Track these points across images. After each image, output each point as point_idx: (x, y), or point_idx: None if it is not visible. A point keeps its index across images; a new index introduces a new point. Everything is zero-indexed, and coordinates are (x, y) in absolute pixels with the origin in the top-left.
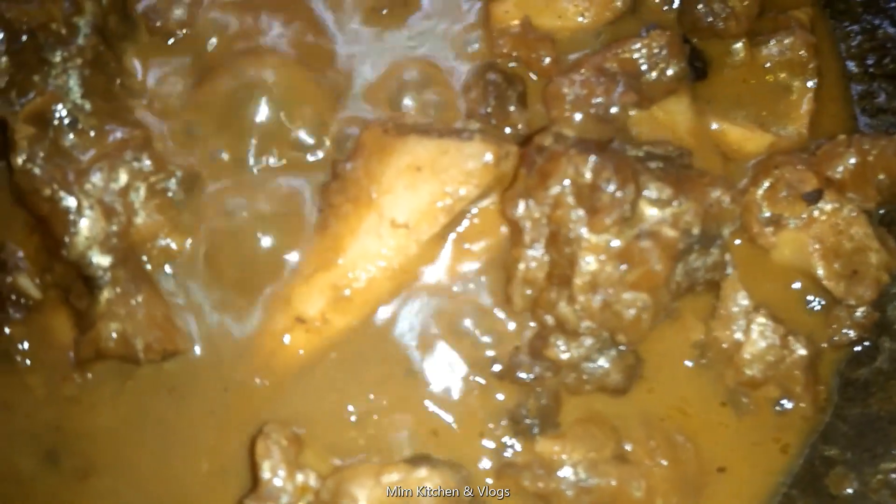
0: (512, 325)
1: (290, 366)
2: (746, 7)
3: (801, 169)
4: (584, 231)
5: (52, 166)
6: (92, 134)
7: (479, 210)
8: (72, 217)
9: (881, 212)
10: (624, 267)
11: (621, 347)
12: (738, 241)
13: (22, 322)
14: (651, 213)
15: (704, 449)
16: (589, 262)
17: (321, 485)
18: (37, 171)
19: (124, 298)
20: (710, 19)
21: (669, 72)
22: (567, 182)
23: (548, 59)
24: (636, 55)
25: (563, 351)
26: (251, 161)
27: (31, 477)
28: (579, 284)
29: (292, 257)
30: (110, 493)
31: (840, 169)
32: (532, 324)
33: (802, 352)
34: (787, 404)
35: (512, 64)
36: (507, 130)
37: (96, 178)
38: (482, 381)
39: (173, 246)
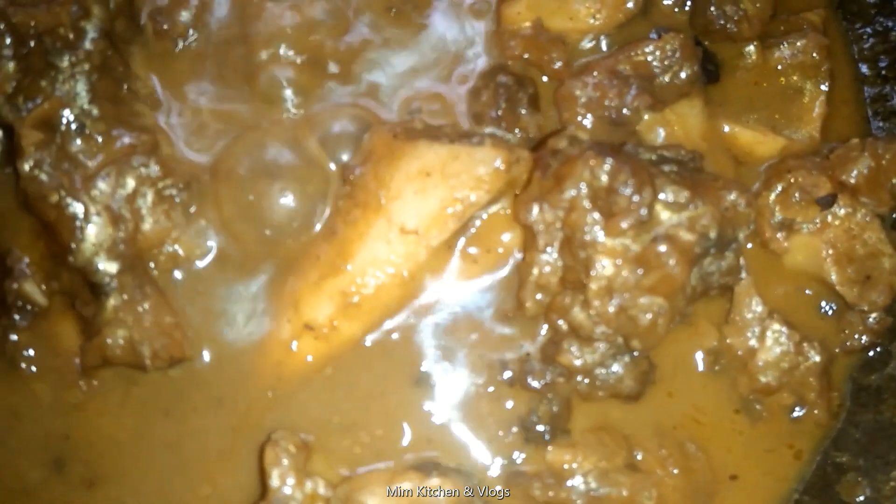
0: (524, 331)
1: (298, 372)
2: (759, 9)
3: (815, 173)
4: (599, 235)
5: (59, 172)
6: (99, 139)
7: (490, 215)
8: (78, 223)
9: (894, 216)
10: (640, 271)
11: (635, 353)
12: (749, 245)
13: (28, 329)
14: (667, 216)
15: (717, 457)
16: (605, 267)
17: (332, 493)
18: (44, 177)
19: (131, 305)
20: (723, 22)
21: (682, 75)
22: (583, 185)
23: (559, 62)
24: (649, 58)
25: (576, 357)
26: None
27: (37, 485)
28: (594, 289)
29: (302, 264)
30: (117, 503)
31: (854, 173)
32: (544, 329)
33: (817, 358)
34: (801, 411)
35: (523, 66)
36: (518, 134)
37: (103, 184)
38: (492, 388)
39: (181, 252)
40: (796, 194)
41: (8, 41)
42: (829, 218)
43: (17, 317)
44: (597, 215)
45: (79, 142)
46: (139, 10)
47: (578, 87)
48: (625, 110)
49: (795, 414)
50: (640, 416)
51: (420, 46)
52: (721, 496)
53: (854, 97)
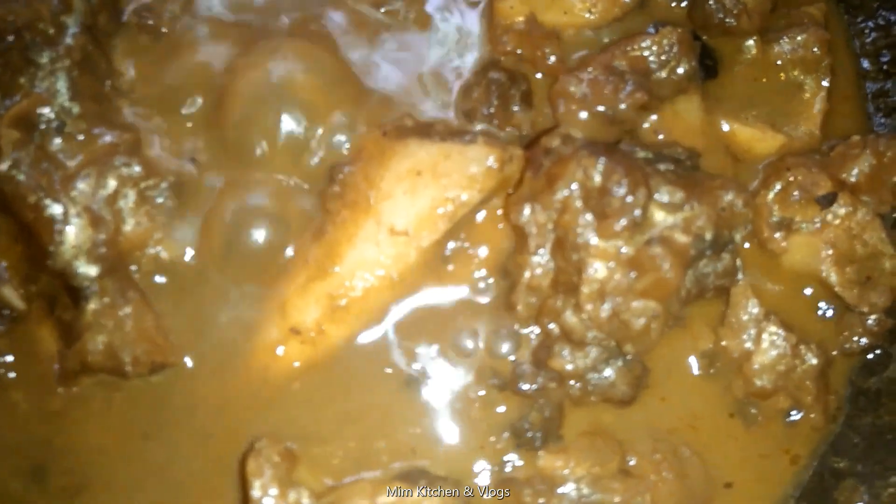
0: (515, 335)
1: (284, 378)
2: (759, 3)
3: (815, 171)
4: (592, 237)
5: (37, 172)
6: (80, 138)
7: (483, 215)
8: (57, 225)
9: (895, 215)
10: (633, 274)
11: (628, 357)
12: (747, 245)
13: (6, 334)
14: (662, 217)
15: (712, 463)
16: (597, 270)
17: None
18: (21, 177)
19: (112, 310)
20: (721, 15)
21: (680, 70)
22: (575, 186)
23: (553, 57)
24: (646, 53)
25: (568, 361)
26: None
27: (17, 496)
28: (586, 293)
29: (289, 267)
30: None
31: (855, 171)
32: (536, 333)
33: (814, 361)
34: (798, 415)
35: (516, 62)
36: (511, 131)
37: (83, 185)
38: (483, 393)
39: (164, 254)
40: (795, 193)
41: None
42: (829, 217)
43: None
44: (589, 216)
45: (58, 141)
46: (123, 4)
47: (573, 84)
48: (621, 107)
49: (791, 418)
50: (633, 420)
51: (411, 42)
52: (717, 501)
53: (855, 93)
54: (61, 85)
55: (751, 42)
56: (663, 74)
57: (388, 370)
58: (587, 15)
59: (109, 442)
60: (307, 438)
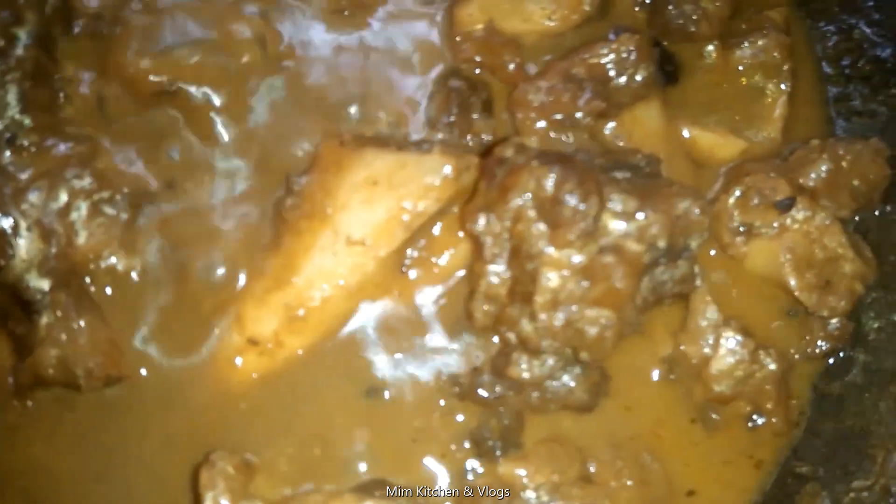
0: (474, 344)
1: (242, 389)
2: (718, 8)
3: (773, 176)
4: (545, 246)
5: None
6: (32, 150)
7: (442, 224)
8: (8, 238)
9: (856, 219)
10: (586, 283)
11: (585, 364)
12: (713, 252)
13: None
14: (615, 226)
15: (674, 470)
16: (550, 279)
17: None
18: None
19: (65, 323)
20: (681, 21)
21: (638, 77)
22: (528, 196)
23: (512, 65)
24: (604, 60)
25: (525, 369)
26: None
27: None
28: (540, 302)
29: (244, 277)
30: None
31: (813, 176)
32: (495, 341)
33: (773, 366)
34: (759, 420)
35: (476, 70)
36: (471, 140)
37: (34, 197)
38: (443, 402)
39: (119, 267)
40: (755, 198)
41: None
42: (788, 222)
43: None
44: (542, 226)
45: (9, 154)
46: (76, 14)
47: (531, 92)
48: (578, 115)
49: (754, 423)
50: (594, 427)
51: (372, 50)
52: None
53: (817, 97)
54: (12, 97)
55: (711, 47)
56: (622, 81)
57: (348, 380)
58: (547, 22)
59: (63, 458)
60: (266, 449)
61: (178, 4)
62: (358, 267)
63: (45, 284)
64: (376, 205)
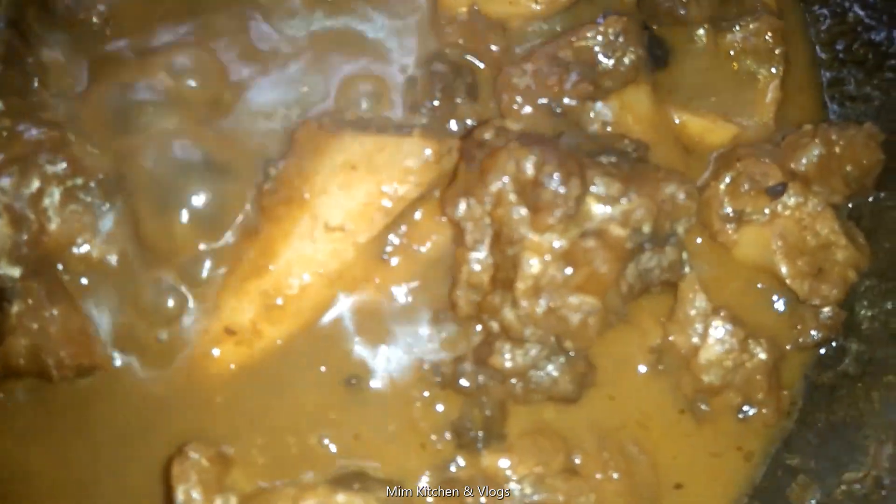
0: (457, 332)
1: (219, 380)
2: None
3: (765, 161)
4: (526, 230)
5: None
6: (4, 134)
7: (423, 210)
8: None
9: (849, 206)
10: (568, 269)
11: (570, 354)
12: (699, 240)
13: None
14: (598, 210)
15: (662, 462)
16: (532, 265)
17: None
18: None
19: (37, 311)
20: (670, 4)
21: (626, 60)
22: (507, 178)
23: (496, 48)
24: (591, 43)
25: (508, 359)
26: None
27: None
28: (522, 289)
29: (222, 264)
30: None
31: (804, 161)
32: (478, 330)
33: (763, 356)
34: (750, 411)
35: (461, 54)
36: (456, 124)
37: (5, 182)
38: (425, 392)
39: (93, 254)
40: (746, 184)
41: None
42: (779, 208)
43: None
44: (523, 210)
45: None
46: None
47: (517, 75)
48: (566, 99)
49: (744, 414)
50: (580, 418)
51: (356, 33)
52: (666, 501)
53: (810, 82)
54: None
55: (701, 31)
56: (610, 64)
57: (328, 370)
58: (533, 6)
59: (35, 449)
60: (243, 441)
61: None
62: (337, 253)
63: (15, 272)
64: (355, 189)
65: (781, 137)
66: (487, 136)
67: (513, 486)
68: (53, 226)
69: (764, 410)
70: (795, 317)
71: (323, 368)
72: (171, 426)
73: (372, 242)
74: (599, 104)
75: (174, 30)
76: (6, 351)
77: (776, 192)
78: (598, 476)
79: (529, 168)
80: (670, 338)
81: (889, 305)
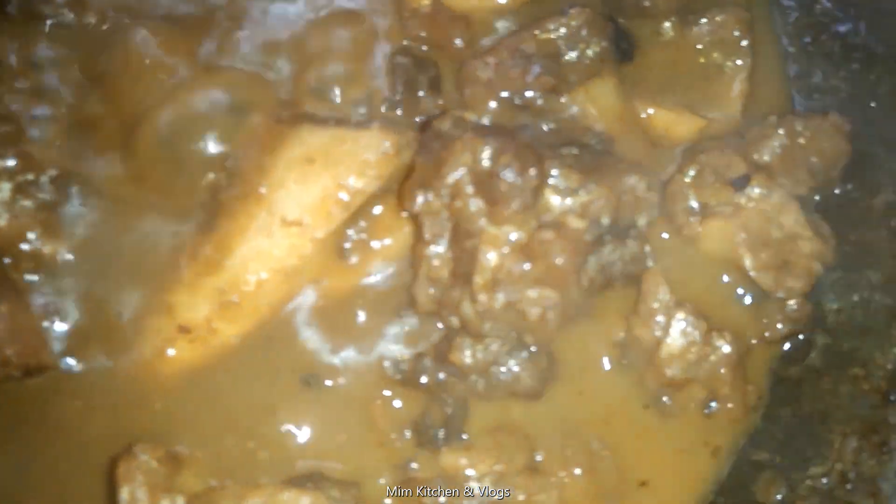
0: (417, 328)
1: (174, 380)
2: None
3: (728, 153)
4: (484, 223)
5: None
6: None
7: (383, 205)
8: None
9: (816, 198)
10: (526, 261)
11: (532, 349)
12: (665, 235)
13: None
14: (556, 201)
15: (626, 458)
16: (490, 258)
17: None
18: None
19: None
20: None
21: (590, 52)
22: (464, 169)
23: (460, 41)
24: (554, 35)
25: (468, 355)
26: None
27: None
28: (479, 283)
29: (177, 261)
30: None
31: (768, 152)
32: (440, 325)
33: (727, 349)
34: (715, 406)
35: (424, 47)
36: (420, 119)
37: None
38: (385, 390)
39: (44, 250)
40: (709, 176)
41: None
42: (744, 200)
43: None
44: (480, 202)
45: None
46: None
47: (479, 68)
48: (528, 92)
49: (709, 409)
50: (543, 414)
51: (318, 25)
52: (630, 498)
53: (777, 75)
54: None
55: (668, 24)
56: (573, 57)
57: (285, 368)
58: None
59: None
60: (197, 441)
61: None
62: (294, 249)
63: None
64: (312, 183)
65: (748, 130)
66: (445, 127)
67: (473, 484)
68: (2, 221)
69: (730, 405)
70: (761, 310)
71: (280, 367)
72: (122, 426)
73: (330, 237)
74: (564, 97)
75: None
76: None
77: (740, 184)
78: (561, 474)
79: (486, 159)
80: (634, 332)
81: (855, 298)
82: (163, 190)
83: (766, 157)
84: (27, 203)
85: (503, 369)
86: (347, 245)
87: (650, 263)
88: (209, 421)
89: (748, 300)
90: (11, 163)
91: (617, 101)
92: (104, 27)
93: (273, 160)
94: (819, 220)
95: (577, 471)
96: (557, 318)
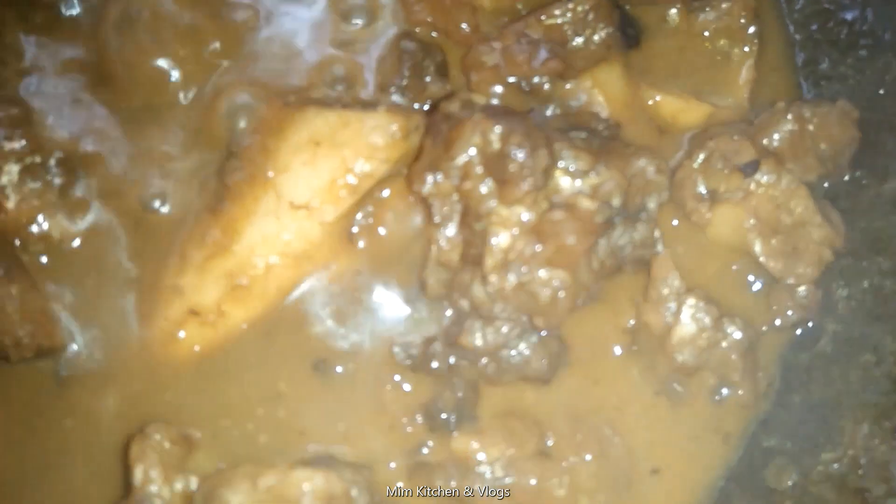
0: (427, 313)
1: (184, 362)
2: None
3: (737, 139)
4: (494, 204)
5: None
6: None
7: (391, 189)
8: None
9: (826, 185)
10: (537, 242)
11: (542, 333)
12: (675, 222)
13: None
14: (566, 183)
15: (637, 445)
16: (500, 239)
17: (196, 490)
18: None
19: None
20: None
21: (596, 38)
22: (473, 150)
23: (466, 27)
24: (561, 20)
25: (478, 337)
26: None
27: None
28: (490, 264)
29: (186, 245)
30: None
31: (777, 137)
32: (449, 310)
33: (738, 335)
34: (726, 392)
35: (431, 33)
36: (425, 103)
37: None
38: (395, 375)
39: (54, 234)
40: (718, 162)
41: None
42: (753, 186)
43: None
44: (490, 182)
45: None
46: None
47: (486, 53)
48: (535, 77)
49: (719, 396)
50: (553, 400)
51: (326, 11)
52: (641, 484)
53: (785, 62)
54: None
55: (674, 11)
56: (580, 42)
57: (295, 353)
58: None
59: None
60: (211, 424)
61: None
62: (303, 233)
63: None
64: (319, 166)
65: (755, 117)
66: (453, 108)
67: (484, 468)
68: (11, 203)
69: (740, 392)
70: (771, 297)
71: (290, 351)
72: (133, 408)
73: (339, 222)
74: (571, 83)
75: None
76: None
77: (749, 170)
78: (572, 459)
79: (495, 140)
80: (644, 318)
81: (865, 284)
82: None
83: (774, 143)
84: (35, 185)
85: (513, 352)
86: (355, 229)
87: (660, 249)
88: (219, 405)
89: (758, 287)
90: (19, 144)
91: (624, 88)
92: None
93: (280, 143)
94: (828, 206)
95: (588, 456)
96: (568, 299)
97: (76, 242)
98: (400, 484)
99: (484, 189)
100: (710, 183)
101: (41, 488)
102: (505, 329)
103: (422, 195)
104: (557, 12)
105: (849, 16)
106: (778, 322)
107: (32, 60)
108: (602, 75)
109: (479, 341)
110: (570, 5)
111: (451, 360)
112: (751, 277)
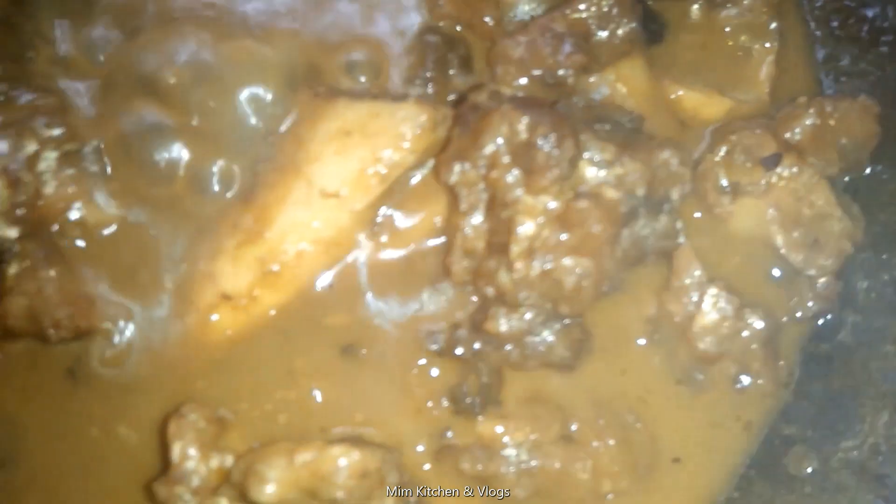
0: (453, 300)
1: (217, 345)
2: None
3: (759, 133)
4: (520, 192)
5: None
6: (0, 99)
7: (419, 179)
8: None
9: (846, 179)
10: (562, 230)
11: (566, 321)
12: (697, 214)
13: None
14: (592, 173)
15: (659, 433)
16: (526, 227)
17: (233, 465)
18: None
19: (34, 273)
20: None
21: (620, 32)
22: (501, 140)
23: (490, 20)
24: (585, 15)
25: (503, 323)
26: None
27: None
28: (516, 251)
29: (219, 232)
30: (27, 482)
31: (798, 131)
32: (474, 297)
33: (759, 324)
34: (746, 380)
35: (455, 26)
36: (451, 96)
37: (1, 145)
38: (421, 359)
39: (89, 218)
40: (740, 156)
41: None
42: (774, 179)
43: None
44: (517, 172)
45: None
46: None
47: (511, 47)
48: (560, 70)
49: (740, 384)
50: (576, 386)
51: (353, 5)
52: (663, 470)
53: (805, 58)
54: None
55: (696, 7)
56: (604, 36)
57: (325, 336)
58: None
59: (34, 411)
60: (242, 406)
61: None
62: (333, 220)
63: (13, 233)
64: (350, 156)
65: (776, 112)
66: (481, 99)
67: (509, 451)
68: (49, 189)
69: (760, 381)
70: (792, 288)
71: (319, 335)
72: (167, 389)
73: (368, 210)
74: (595, 76)
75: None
76: (3, 312)
77: (771, 163)
78: (595, 444)
79: (523, 129)
80: (666, 307)
81: (885, 277)
82: None
83: (796, 137)
84: (72, 172)
85: (538, 339)
86: (384, 217)
87: (682, 240)
88: (250, 387)
89: (779, 278)
90: (57, 132)
91: (647, 81)
92: None
93: (311, 133)
94: (849, 200)
95: (611, 441)
96: (592, 287)
97: (112, 228)
98: (427, 467)
99: (510, 178)
100: (732, 176)
101: (81, 459)
102: (529, 316)
103: (449, 184)
104: (581, 7)
105: (870, 13)
106: (799, 313)
107: (74, 48)
108: (625, 69)
109: (503, 327)
110: (595, 0)
111: (476, 345)
112: (772, 269)
